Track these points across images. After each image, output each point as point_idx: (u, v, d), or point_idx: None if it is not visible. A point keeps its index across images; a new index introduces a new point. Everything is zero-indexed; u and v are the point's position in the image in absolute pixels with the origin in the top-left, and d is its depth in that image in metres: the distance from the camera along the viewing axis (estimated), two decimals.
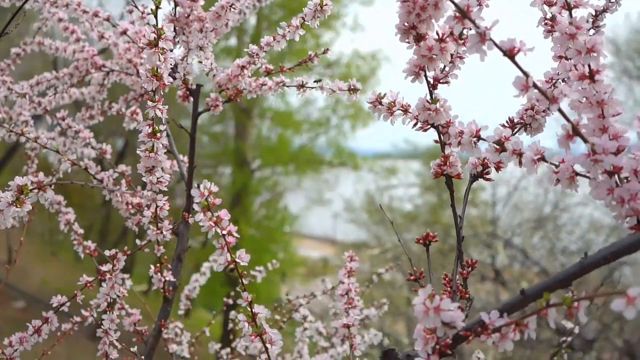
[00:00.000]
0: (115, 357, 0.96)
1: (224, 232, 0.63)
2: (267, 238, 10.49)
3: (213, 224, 0.63)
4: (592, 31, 0.70)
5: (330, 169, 11.51)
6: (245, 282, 0.68)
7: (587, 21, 0.57)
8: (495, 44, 0.51)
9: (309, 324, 1.34)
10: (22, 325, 0.95)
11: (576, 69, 0.57)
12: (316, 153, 12.14)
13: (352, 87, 0.85)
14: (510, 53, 0.52)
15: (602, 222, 6.86)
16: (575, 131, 0.52)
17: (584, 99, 0.56)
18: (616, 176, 0.53)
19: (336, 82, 0.88)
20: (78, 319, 1.12)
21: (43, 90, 1.27)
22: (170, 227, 0.93)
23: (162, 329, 1.01)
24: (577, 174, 0.56)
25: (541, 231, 6.39)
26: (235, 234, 0.64)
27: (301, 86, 0.96)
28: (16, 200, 0.69)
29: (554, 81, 0.71)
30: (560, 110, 0.52)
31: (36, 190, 0.68)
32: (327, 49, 1.03)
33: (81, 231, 1.12)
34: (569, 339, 1.12)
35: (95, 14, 1.12)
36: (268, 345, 0.66)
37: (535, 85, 0.51)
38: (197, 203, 0.62)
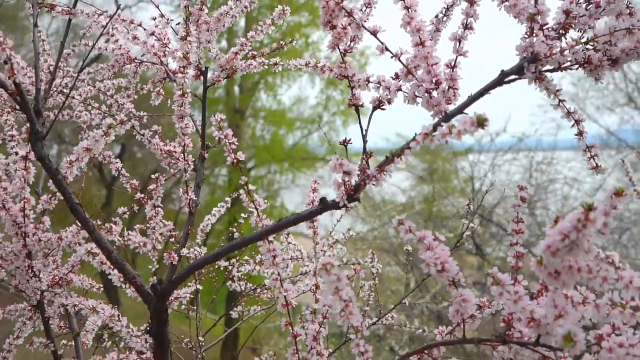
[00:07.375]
0: (159, 248, 1.44)
1: (230, 141, 1.12)
2: None
3: (223, 137, 1.11)
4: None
5: (325, 165, 12.01)
6: (244, 178, 1.16)
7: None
8: (365, 28, 1.00)
9: (291, 245, 1.82)
10: None
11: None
12: (310, 150, 12.61)
13: (307, 63, 1.33)
14: (374, 32, 1.00)
15: (575, 197, 7.39)
16: (409, 72, 1.01)
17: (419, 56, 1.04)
18: (434, 93, 1.02)
19: (298, 60, 1.37)
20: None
21: (92, 78, 1.76)
22: (193, 159, 1.42)
23: (189, 233, 1.49)
24: (416, 95, 1.04)
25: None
26: (236, 143, 1.12)
27: (276, 64, 1.45)
28: (105, 133, 1.17)
29: None
30: (400, 61, 1.01)
31: (120, 125, 1.17)
32: (293, 39, 1.52)
33: (127, 175, 1.60)
34: (468, 233, 1.61)
35: (131, 22, 1.60)
36: (257, 207, 1.14)
37: (387, 49, 1.00)
38: (213, 125, 1.11)
